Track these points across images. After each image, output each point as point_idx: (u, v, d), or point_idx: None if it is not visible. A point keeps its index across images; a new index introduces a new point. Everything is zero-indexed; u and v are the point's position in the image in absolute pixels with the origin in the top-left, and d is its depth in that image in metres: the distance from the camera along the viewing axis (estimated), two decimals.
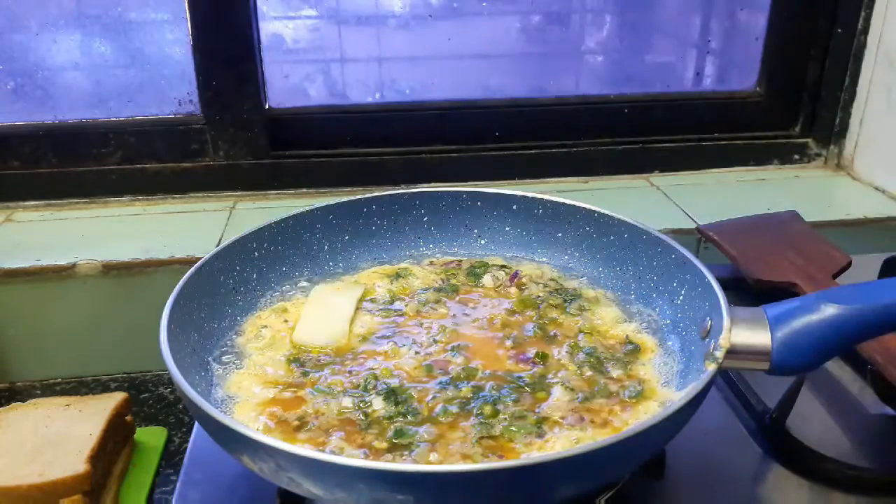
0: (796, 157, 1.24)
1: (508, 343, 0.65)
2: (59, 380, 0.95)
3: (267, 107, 1.12)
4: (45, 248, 0.95)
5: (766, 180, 1.20)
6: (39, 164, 1.09)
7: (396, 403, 0.58)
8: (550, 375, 0.61)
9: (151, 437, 0.80)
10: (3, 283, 0.91)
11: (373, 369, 0.62)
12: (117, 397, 0.76)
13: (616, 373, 0.61)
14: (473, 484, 0.44)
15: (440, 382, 0.60)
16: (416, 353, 0.64)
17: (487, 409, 0.57)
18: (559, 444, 0.53)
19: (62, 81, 1.10)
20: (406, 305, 0.71)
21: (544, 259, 0.78)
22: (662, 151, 1.21)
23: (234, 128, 1.10)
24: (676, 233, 0.98)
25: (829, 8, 1.16)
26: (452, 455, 0.53)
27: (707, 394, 0.51)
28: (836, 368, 0.74)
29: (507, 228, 0.80)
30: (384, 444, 0.54)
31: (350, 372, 0.62)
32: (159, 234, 1.00)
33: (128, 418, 0.77)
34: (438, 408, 0.57)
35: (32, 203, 1.10)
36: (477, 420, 0.56)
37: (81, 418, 0.73)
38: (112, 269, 0.93)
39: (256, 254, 0.72)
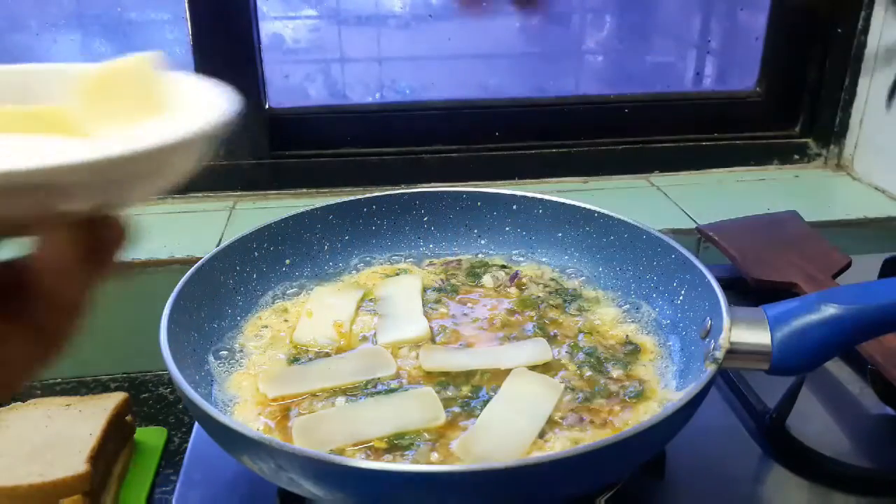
0: (796, 157, 1.24)
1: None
2: (59, 380, 0.95)
3: (267, 107, 1.12)
4: None
5: (766, 180, 1.20)
6: None
7: None
8: (550, 375, 0.61)
9: (151, 437, 0.80)
10: None
11: None
12: (117, 397, 0.76)
13: (616, 373, 0.61)
14: (473, 484, 0.44)
15: (440, 382, 0.60)
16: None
17: None
18: (559, 444, 0.53)
19: None
20: None
21: (544, 259, 0.78)
22: (662, 151, 1.21)
23: (234, 128, 1.10)
24: (676, 233, 0.97)
25: (829, 8, 1.16)
26: (452, 455, 0.53)
27: (707, 394, 0.51)
28: (836, 368, 0.74)
29: (507, 228, 0.80)
30: (384, 444, 0.54)
31: None
32: (159, 234, 0.99)
33: (128, 418, 0.77)
34: None
35: None
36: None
37: (81, 418, 0.73)
38: None
39: (256, 254, 0.72)
